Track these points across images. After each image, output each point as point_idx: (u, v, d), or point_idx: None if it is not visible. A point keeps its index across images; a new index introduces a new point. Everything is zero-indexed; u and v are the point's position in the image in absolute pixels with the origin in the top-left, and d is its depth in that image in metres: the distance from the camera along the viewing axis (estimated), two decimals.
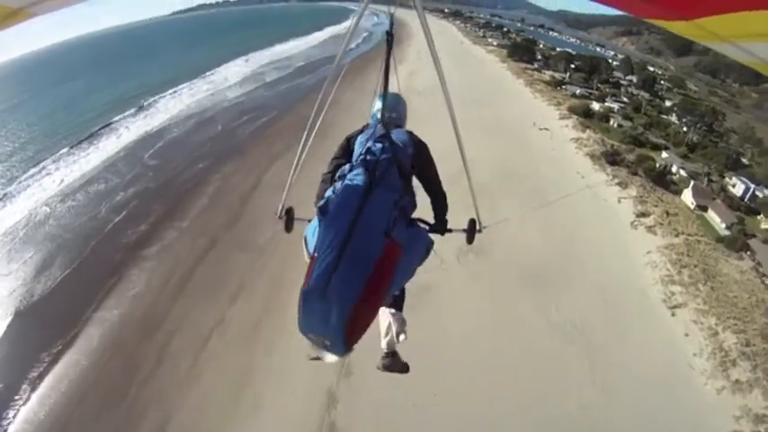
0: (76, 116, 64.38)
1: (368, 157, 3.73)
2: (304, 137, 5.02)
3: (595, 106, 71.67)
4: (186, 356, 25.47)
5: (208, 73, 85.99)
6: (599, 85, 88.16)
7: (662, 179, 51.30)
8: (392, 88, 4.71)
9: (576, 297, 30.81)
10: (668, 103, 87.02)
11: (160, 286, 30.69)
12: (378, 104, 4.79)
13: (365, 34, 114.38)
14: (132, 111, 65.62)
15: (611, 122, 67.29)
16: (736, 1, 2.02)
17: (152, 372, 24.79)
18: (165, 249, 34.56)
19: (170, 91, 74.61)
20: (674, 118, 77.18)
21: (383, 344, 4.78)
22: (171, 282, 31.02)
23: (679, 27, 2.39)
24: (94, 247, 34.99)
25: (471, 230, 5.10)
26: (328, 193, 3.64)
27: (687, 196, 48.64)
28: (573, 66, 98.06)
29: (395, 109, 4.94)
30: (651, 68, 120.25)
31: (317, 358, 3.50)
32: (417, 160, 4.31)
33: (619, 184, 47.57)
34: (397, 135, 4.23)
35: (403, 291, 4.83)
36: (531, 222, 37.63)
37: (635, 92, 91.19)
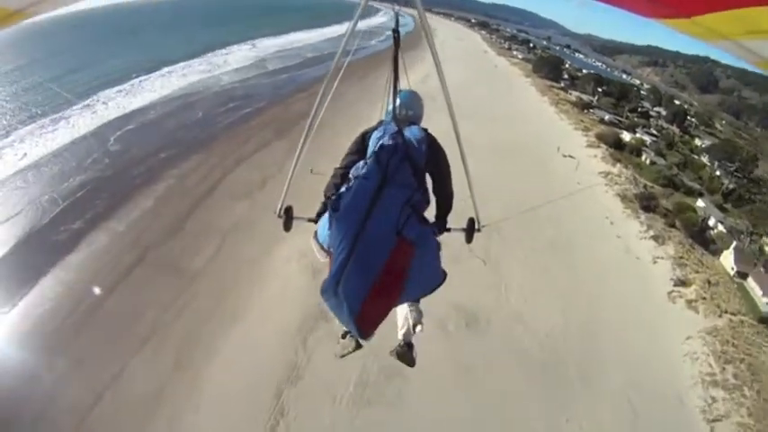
0: (63, 90, 54.48)
1: (381, 154, 3.41)
2: (303, 136, 4.30)
3: (626, 137, 60.93)
4: (65, 427, 18.34)
5: (209, 54, 77.60)
6: (628, 114, 77.18)
7: (701, 235, 41.22)
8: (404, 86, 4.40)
9: (595, 403, 22.19)
10: (698, 142, 76.13)
11: (68, 311, 23.14)
12: (392, 101, 4.38)
13: (387, 33, 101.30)
14: (117, 88, 57.55)
15: (644, 158, 56.50)
16: None
17: None
18: (88, 259, 27.04)
19: (165, 69, 66.42)
20: (705, 159, 66.35)
21: (400, 335, 4.65)
22: (80, 308, 23.38)
23: (679, 25, 2.24)
24: (19, 244, 28.45)
25: (470, 230, 4.77)
26: (341, 190, 3.32)
27: (728, 260, 38.76)
28: (601, 89, 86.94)
29: (410, 106, 4.56)
30: (677, 102, 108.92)
31: (348, 353, 4.37)
32: (431, 158, 3.91)
33: (654, 237, 37.77)
34: (411, 132, 3.87)
35: (440, 279, 3.80)
36: (544, 285, 28.84)
37: (664, 125, 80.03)
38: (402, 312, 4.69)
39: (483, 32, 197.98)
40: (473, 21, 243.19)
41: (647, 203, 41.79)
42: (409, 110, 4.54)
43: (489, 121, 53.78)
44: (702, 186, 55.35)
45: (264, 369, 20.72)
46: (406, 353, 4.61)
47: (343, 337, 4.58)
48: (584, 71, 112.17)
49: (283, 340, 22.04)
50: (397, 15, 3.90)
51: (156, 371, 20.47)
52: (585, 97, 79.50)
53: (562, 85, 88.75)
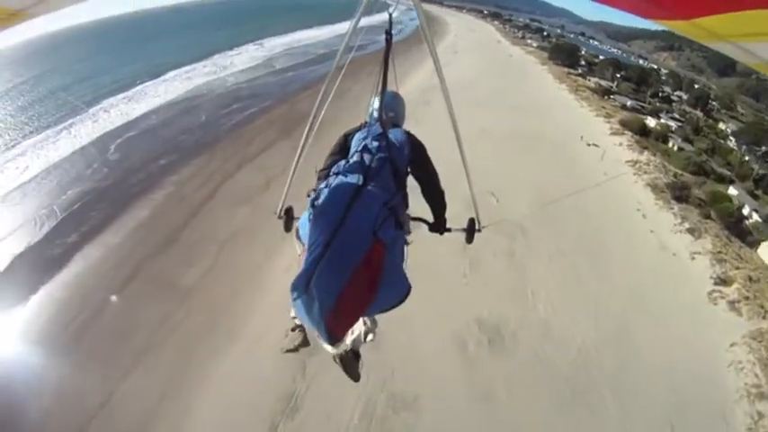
0: (70, 99, 54.33)
1: (363, 155, 3.44)
2: (304, 135, 4.44)
3: (651, 123, 56.64)
4: None
5: (216, 56, 75.12)
6: (650, 99, 72.68)
7: (737, 225, 37.30)
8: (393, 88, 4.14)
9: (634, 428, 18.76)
10: (722, 126, 71.36)
11: (56, 333, 20.90)
12: (376, 103, 4.27)
13: (400, 26, 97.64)
14: (122, 95, 55.80)
15: (671, 144, 52.38)
16: (736, 0, 1.85)
17: None
18: (81, 275, 24.82)
19: (171, 74, 64.48)
20: (732, 143, 61.79)
21: (348, 340, 4.45)
22: (68, 330, 21.05)
23: (679, 26, 2.23)
24: (14, 261, 26.63)
25: (471, 230, 4.69)
26: (321, 186, 3.30)
27: (766, 252, 34.48)
28: (620, 75, 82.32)
29: (393, 108, 4.55)
30: (696, 86, 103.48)
31: (294, 350, 4.42)
32: (414, 160, 4.00)
33: (690, 230, 33.84)
34: (394, 134, 3.87)
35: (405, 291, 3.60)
36: (574, 290, 25.42)
37: (687, 109, 75.33)
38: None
39: (496, 23, 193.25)
40: (485, 12, 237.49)
41: (679, 193, 37.91)
42: (391, 112, 4.42)
43: (507, 110, 50.48)
44: (732, 173, 51.02)
45: (259, 399, 17.92)
46: (351, 361, 4.46)
47: (293, 330, 4.55)
48: (601, 57, 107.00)
49: (280, 365, 18.97)
50: (390, 17, 3.50)
51: (145, 400, 18.03)
52: (605, 83, 75.13)
53: (579, 71, 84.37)
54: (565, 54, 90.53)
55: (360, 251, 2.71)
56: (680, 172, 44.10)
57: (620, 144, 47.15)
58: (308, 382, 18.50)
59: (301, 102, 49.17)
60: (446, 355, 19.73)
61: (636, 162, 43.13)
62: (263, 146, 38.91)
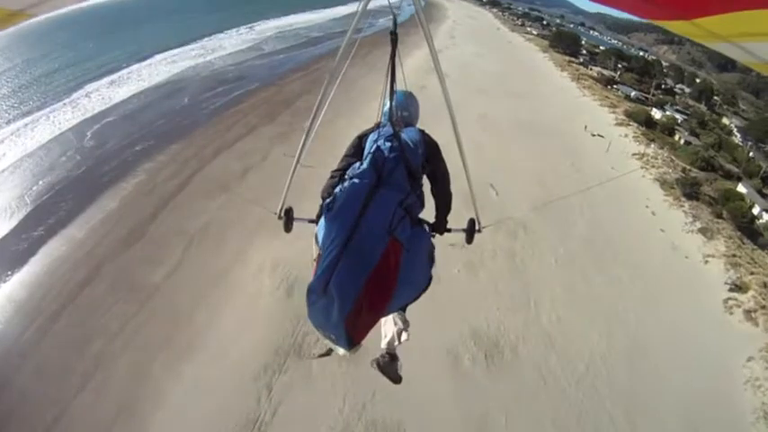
0: (53, 85, 52.32)
1: (376, 155, 3.34)
2: (305, 135, 4.13)
3: (656, 114, 53.61)
4: None
5: (205, 39, 71.28)
6: (655, 91, 69.66)
7: (749, 226, 34.53)
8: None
9: None
10: (725, 121, 68.56)
11: (11, 342, 18.72)
12: (388, 103, 3.96)
13: (398, 11, 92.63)
14: (106, 79, 52.84)
15: (677, 137, 49.28)
16: (735, 0, 1.87)
17: None
18: (43, 273, 22.49)
19: (158, 57, 61.12)
20: (737, 139, 59.04)
21: (383, 344, 4.24)
22: (24, 337, 18.91)
23: (679, 27, 2.19)
24: None
25: (471, 230, 4.40)
26: (336, 190, 3.27)
27: None
28: (623, 65, 79.23)
29: (406, 108, 4.30)
30: (698, 80, 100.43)
31: (325, 354, 3.91)
32: (428, 160, 3.84)
33: (702, 231, 31.08)
34: (407, 134, 3.73)
35: (423, 288, 3.64)
36: (582, 297, 22.73)
37: (690, 103, 72.42)
38: (386, 320, 4.25)
39: (494, 10, 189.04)
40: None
41: (689, 190, 35.05)
42: (404, 111, 4.21)
43: (507, 97, 47.72)
44: (740, 169, 48.19)
45: (219, 423, 15.38)
46: (388, 364, 4.13)
47: (322, 356, 5.33)
48: (602, 48, 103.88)
49: (244, 384, 16.49)
50: (395, 17, 3.34)
51: (100, 416, 16.04)
52: (607, 73, 72.18)
53: (581, 60, 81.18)
54: (566, 42, 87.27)
55: (376, 252, 2.66)
56: (688, 167, 41.22)
57: (626, 135, 44.20)
58: (274, 406, 15.98)
59: (289, 84, 47.35)
60: (436, 374, 16.98)
61: (643, 155, 40.26)
62: (244, 131, 36.25)
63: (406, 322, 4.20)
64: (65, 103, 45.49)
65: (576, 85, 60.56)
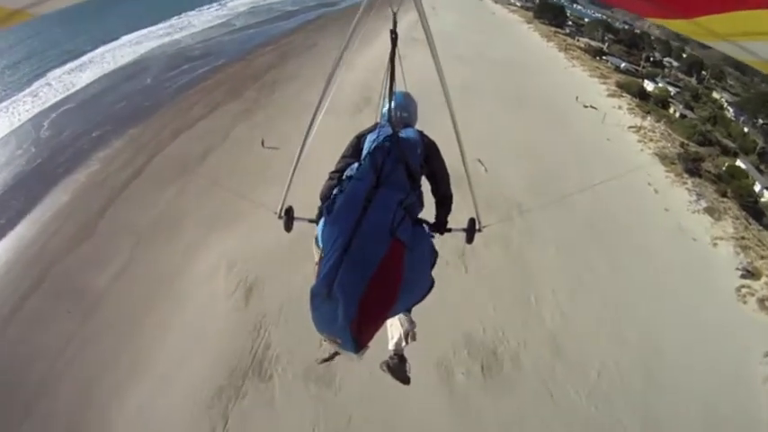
0: (14, 78, 47.51)
1: (375, 156, 3.31)
2: (306, 132, 3.93)
3: (649, 86, 50.51)
4: None
5: (173, 18, 65.51)
6: (645, 63, 66.67)
7: (753, 205, 31.90)
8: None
9: None
10: (716, 95, 65.97)
11: None
12: (387, 103, 4.04)
13: None
14: (68, 66, 48.42)
15: (672, 110, 46.28)
16: (736, 0, 1.87)
17: None
18: None
19: (124, 39, 56.48)
20: (730, 114, 56.37)
21: (390, 345, 4.13)
22: None
23: (679, 25, 2.21)
24: None
25: (471, 230, 4.30)
26: (335, 191, 3.27)
27: None
28: (610, 37, 76.00)
29: (405, 108, 4.24)
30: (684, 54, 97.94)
31: (329, 359, 4.02)
32: (427, 160, 3.81)
33: (708, 211, 28.15)
34: (406, 134, 3.71)
35: (428, 288, 3.64)
36: (587, 290, 19.74)
37: (680, 76, 69.67)
38: (392, 322, 4.08)
39: None
40: None
41: (692, 166, 32.15)
42: (404, 112, 4.17)
43: (492, 66, 44.39)
44: (736, 144, 45.54)
45: None
46: (398, 366, 4.04)
47: (324, 361, 4.28)
48: (587, 20, 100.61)
49: (196, 413, 13.78)
50: (394, 16, 3.27)
51: None
52: (595, 44, 68.78)
53: (567, 31, 77.74)
54: (551, 13, 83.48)
55: (379, 253, 2.58)
56: (685, 141, 38.35)
57: (620, 107, 40.94)
58: None
59: (258, 59, 44.35)
60: (424, 393, 13.89)
61: (639, 128, 37.17)
62: (207, 110, 33.10)
63: (412, 323, 4.04)
64: (25, 94, 41.89)
65: (564, 55, 57.00)
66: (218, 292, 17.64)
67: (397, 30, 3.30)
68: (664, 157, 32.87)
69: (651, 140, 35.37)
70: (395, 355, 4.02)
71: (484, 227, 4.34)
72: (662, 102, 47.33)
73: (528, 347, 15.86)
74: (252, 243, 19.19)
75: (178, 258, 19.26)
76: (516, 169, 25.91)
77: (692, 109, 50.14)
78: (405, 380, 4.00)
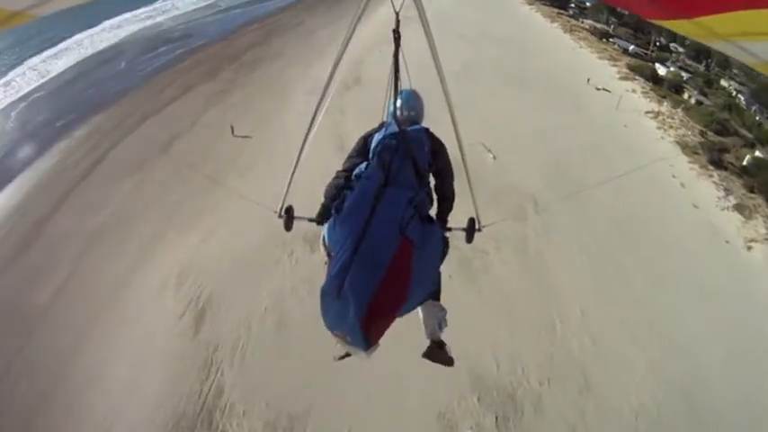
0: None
1: (383, 155, 3.34)
2: (308, 128, 3.76)
3: (661, 71, 46.81)
4: None
5: (158, 2, 61.00)
6: (654, 46, 63.02)
7: None
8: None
9: None
10: (724, 83, 62.64)
11: None
12: (394, 102, 3.95)
13: None
14: (45, 54, 45.20)
15: (686, 95, 42.59)
16: (736, 0, 1.82)
17: None
18: None
19: (106, 23, 52.43)
20: (741, 102, 52.98)
21: (427, 334, 4.17)
22: None
23: (680, 26, 2.16)
24: None
25: (471, 230, 4.28)
26: (346, 191, 3.21)
27: None
28: (614, 20, 72.24)
29: (412, 107, 4.30)
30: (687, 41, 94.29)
31: (345, 356, 3.70)
32: (434, 158, 3.83)
33: (738, 208, 24.60)
34: (413, 132, 3.77)
35: (438, 283, 3.96)
36: (618, 306, 15.99)
37: (688, 62, 66.18)
38: (423, 312, 4.02)
39: None
40: None
41: (716, 157, 28.63)
42: (411, 110, 4.25)
43: (494, 44, 40.79)
44: (752, 135, 42.10)
45: None
46: (437, 352, 4.17)
47: (341, 358, 3.94)
48: (588, 4, 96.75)
49: None
50: (397, 15, 3.20)
51: None
52: (600, 26, 64.96)
53: (570, 13, 73.79)
54: None
55: (388, 251, 2.55)
56: (703, 129, 34.84)
57: (634, 91, 37.14)
58: None
59: (239, 38, 41.50)
60: None
61: (657, 114, 33.48)
62: (179, 92, 30.15)
63: (442, 309, 4.00)
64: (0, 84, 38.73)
65: (570, 36, 52.98)
66: (167, 314, 14.20)
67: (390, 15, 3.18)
68: (685, 146, 29.26)
69: (671, 127, 31.77)
70: (433, 342, 4.11)
71: (484, 226, 4.25)
72: (675, 87, 43.69)
73: (552, 386, 12.30)
74: (212, 248, 15.97)
75: (126, 268, 15.81)
76: (527, 157, 22.27)
77: (705, 95, 46.57)
78: (449, 361, 4.14)
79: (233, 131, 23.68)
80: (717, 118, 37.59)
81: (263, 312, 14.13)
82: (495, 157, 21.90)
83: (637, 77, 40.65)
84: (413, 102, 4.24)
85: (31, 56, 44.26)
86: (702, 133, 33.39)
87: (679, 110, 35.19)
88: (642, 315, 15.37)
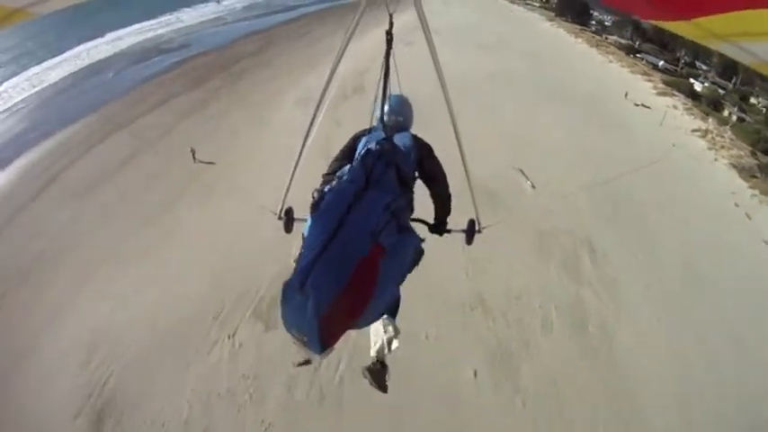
0: None
1: (366, 158, 3.10)
2: (308, 128, 3.67)
3: (697, 86, 43.31)
4: None
5: (167, 15, 59.84)
6: (684, 62, 59.60)
7: None
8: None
9: None
10: (753, 100, 58.87)
11: None
12: (381, 107, 4.04)
13: None
14: (46, 64, 43.79)
15: (726, 112, 38.93)
16: (736, 0, 1.80)
17: None
18: None
19: (109, 36, 50.88)
20: None
21: (372, 351, 3.99)
22: None
23: (679, 27, 2.11)
24: None
25: (471, 231, 4.20)
26: (326, 189, 3.07)
27: None
28: (639, 36, 69.00)
29: (400, 112, 4.08)
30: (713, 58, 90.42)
31: (305, 363, 3.80)
32: (421, 163, 3.74)
33: None
34: (400, 138, 3.65)
35: (398, 299, 3.71)
36: (684, 357, 12.51)
37: (716, 79, 62.57)
38: (375, 328, 3.94)
39: None
40: None
41: None
42: (399, 116, 4.02)
43: (519, 57, 37.53)
44: None
45: None
46: (378, 372, 3.92)
47: (301, 365, 4.15)
48: (610, 18, 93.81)
49: None
50: (391, 17, 3.18)
51: None
52: (624, 42, 61.67)
53: (593, 29, 70.68)
54: (574, 11, 76.37)
55: (357, 254, 2.40)
56: (752, 149, 31.16)
57: (675, 107, 33.64)
58: None
59: (235, 49, 39.73)
60: None
61: (705, 132, 29.86)
62: (157, 103, 27.58)
63: (396, 330, 3.86)
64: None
65: (597, 51, 49.82)
66: (64, 405, 10.61)
67: (399, 22, 3.13)
68: (741, 169, 25.57)
69: (722, 147, 28.09)
70: (377, 361, 3.89)
71: (485, 227, 4.12)
72: (714, 103, 40.05)
73: None
74: (137, 309, 12.57)
75: (42, 322, 12.44)
76: (572, 183, 18.52)
77: (744, 112, 42.87)
78: (383, 387, 3.88)
79: (194, 156, 19.94)
80: (764, 136, 33.83)
81: (184, 423, 10.32)
82: (533, 186, 18.39)
83: (675, 93, 37.13)
84: (400, 108, 3.99)
85: (30, 66, 43.01)
86: (753, 153, 29.71)
87: (728, 128, 31.50)
88: (717, 375, 11.53)
